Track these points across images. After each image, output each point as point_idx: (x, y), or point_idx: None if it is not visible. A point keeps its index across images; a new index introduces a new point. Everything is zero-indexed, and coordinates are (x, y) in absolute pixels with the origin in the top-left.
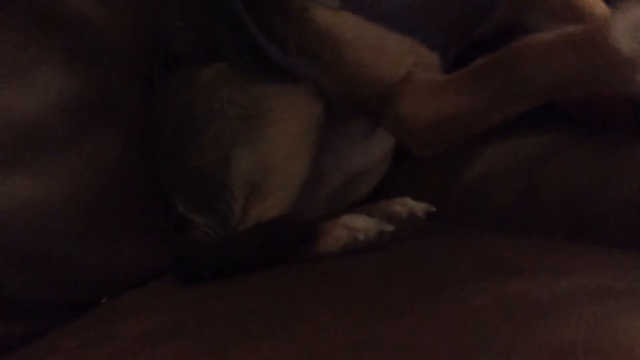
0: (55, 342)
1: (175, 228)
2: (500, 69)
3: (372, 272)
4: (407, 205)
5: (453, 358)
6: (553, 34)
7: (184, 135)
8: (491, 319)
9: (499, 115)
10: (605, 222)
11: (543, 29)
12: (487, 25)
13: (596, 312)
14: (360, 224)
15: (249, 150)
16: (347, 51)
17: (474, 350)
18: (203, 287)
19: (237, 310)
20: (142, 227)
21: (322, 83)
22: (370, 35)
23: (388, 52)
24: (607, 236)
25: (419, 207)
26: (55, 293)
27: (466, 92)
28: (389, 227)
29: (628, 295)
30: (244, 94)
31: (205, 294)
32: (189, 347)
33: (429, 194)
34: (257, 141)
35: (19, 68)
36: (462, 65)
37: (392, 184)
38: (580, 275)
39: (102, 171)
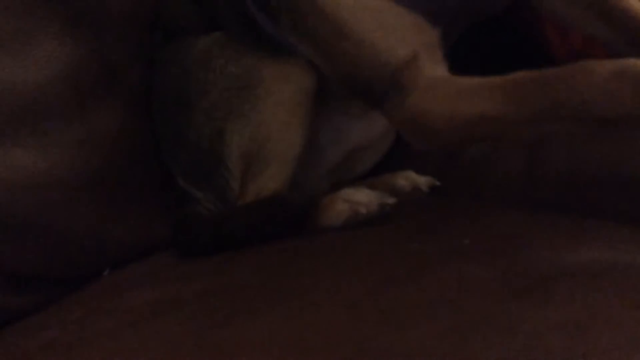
0: (56, 315)
1: (176, 202)
2: (552, 88)
3: (373, 246)
4: (411, 179)
5: (455, 332)
6: (614, 63)
7: (181, 107)
8: (494, 293)
9: (532, 131)
10: (608, 199)
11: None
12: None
13: (601, 287)
14: (362, 198)
15: (242, 123)
16: (348, 25)
17: (477, 325)
18: (204, 260)
19: (237, 284)
20: (144, 200)
21: (316, 62)
22: (375, 8)
23: (394, 28)
24: (610, 213)
25: (423, 181)
26: (56, 265)
27: (501, 101)
28: (391, 200)
29: (634, 270)
30: (237, 65)
31: (206, 268)
32: (189, 320)
33: (433, 168)
34: (250, 113)
35: (19, 38)
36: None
37: (396, 158)
38: (585, 251)
39: (103, 142)
